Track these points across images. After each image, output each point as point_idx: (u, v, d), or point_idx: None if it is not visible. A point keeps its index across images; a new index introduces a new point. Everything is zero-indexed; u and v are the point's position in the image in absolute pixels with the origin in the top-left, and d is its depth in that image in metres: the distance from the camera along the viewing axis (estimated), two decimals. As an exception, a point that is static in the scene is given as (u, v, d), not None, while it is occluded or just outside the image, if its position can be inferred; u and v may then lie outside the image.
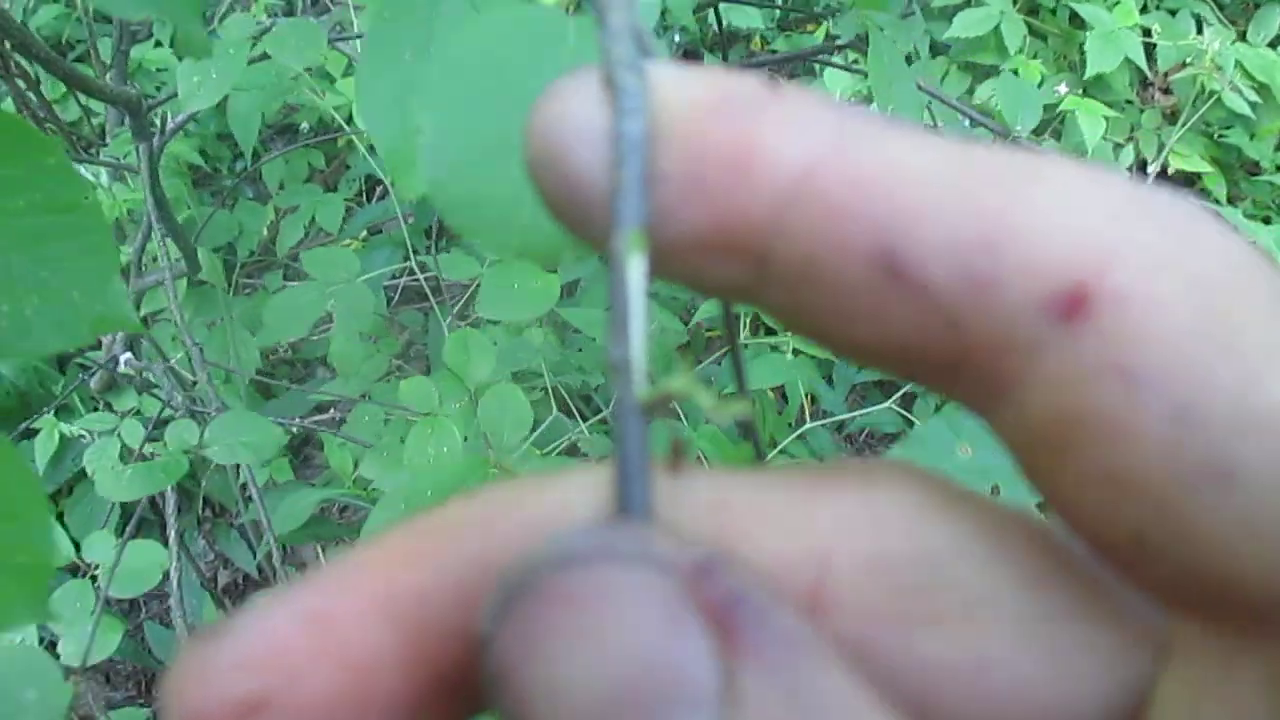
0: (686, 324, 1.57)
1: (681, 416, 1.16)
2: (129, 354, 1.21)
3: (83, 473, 1.40)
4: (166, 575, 0.97)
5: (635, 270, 0.15)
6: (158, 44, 1.65)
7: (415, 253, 1.34)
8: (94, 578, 1.04)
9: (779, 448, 1.40)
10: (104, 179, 1.23)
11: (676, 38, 1.72)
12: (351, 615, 0.15)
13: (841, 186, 0.14)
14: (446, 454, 0.85)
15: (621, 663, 0.12)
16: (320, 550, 1.55)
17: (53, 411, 1.37)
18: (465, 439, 0.91)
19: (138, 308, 1.23)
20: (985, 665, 0.15)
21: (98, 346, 1.51)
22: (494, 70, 0.27)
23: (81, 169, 1.19)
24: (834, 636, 0.15)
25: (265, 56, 0.93)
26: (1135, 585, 0.14)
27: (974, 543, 0.15)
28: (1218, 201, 1.78)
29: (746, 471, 0.16)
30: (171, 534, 1.01)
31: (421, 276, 1.28)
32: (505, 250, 0.26)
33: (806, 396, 1.54)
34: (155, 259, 1.35)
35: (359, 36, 1.13)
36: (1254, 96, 1.78)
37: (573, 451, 1.18)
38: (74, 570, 1.06)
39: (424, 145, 0.26)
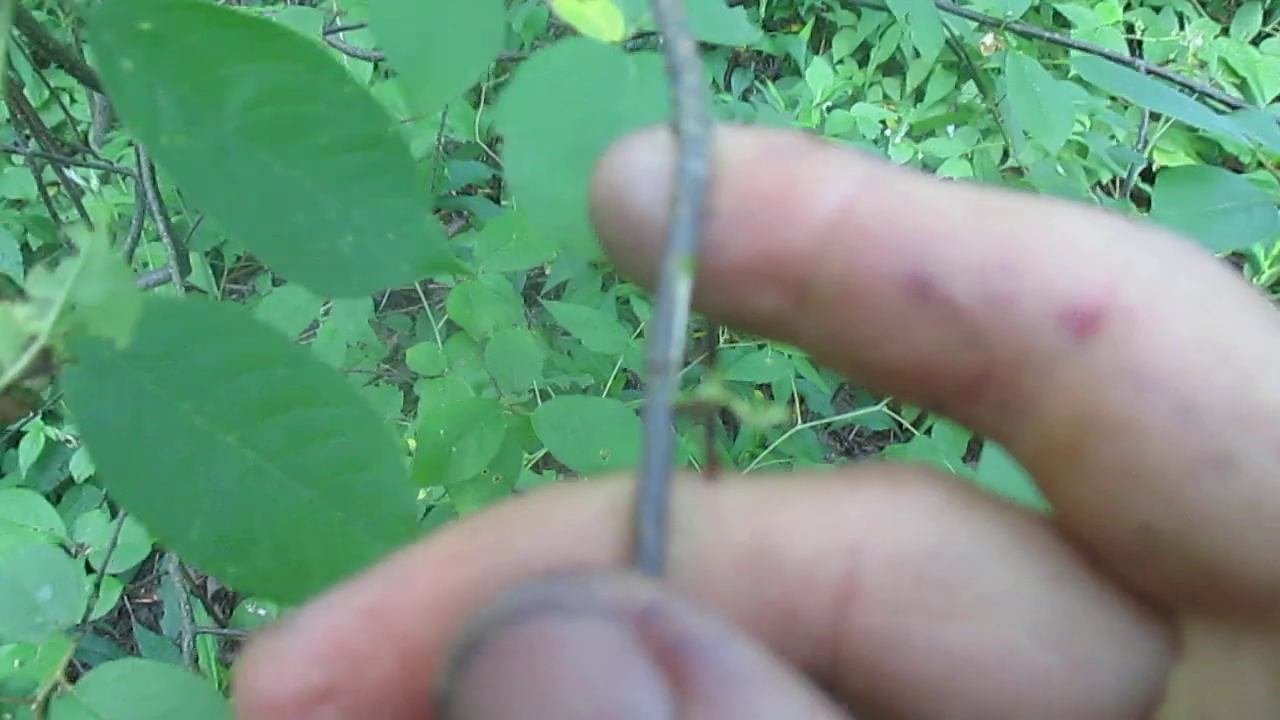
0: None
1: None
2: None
3: (71, 480, 1.46)
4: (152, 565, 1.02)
5: (682, 289, 0.17)
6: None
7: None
8: (87, 561, 1.09)
9: (770, 447, 1.46)
10: (94, 183, 1.28)
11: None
12: (408, 610, 0.16)
13: (875, 219, 0.16)
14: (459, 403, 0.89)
15: (574, 711, 0.13)
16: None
17: (39, 415, 1.42)
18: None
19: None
20: (1007, 657, 0.16)
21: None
22: (565, 91, 0.31)
23: (72, 173, 1.24)
24: (863, 628, 0.16)
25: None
26: (1144, 583, 0.16)
27: (996, 540, 0.16)
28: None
29: (781, 475, 0.17)
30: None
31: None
32: (580, 249, 0.30)
33: (797, 397, 1.60)
34: (146, 264, 1.40)
35: (358, 27, 1.19)
36: (1236, 93, 1.85)
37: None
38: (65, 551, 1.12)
39: (506, 153, 0.29)
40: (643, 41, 0.42)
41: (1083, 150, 1.75)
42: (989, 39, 1.01)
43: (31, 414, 1.43)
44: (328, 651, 0.16)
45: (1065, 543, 0.16)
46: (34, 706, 0.46)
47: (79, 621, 0.58)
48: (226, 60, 0.32)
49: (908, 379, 0.17)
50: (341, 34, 1.22)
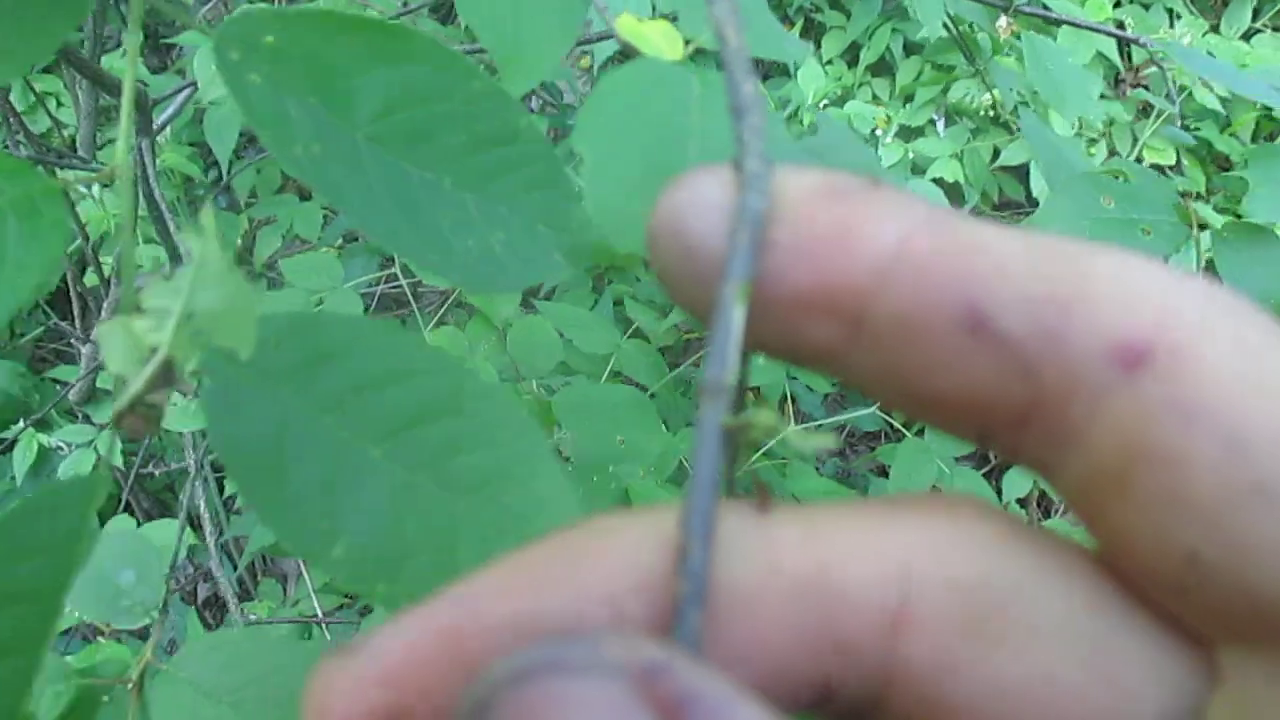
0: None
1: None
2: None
3: (61, 486, 1.48)
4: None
5: (738, 315, 0.18)
6: (126, 54, 1.73)
7: (392, 261, 1.43)
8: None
9: (762, 449, 1.50)
10: (94, 189, 1.31)
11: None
12: (478, 634, 0.17)
13: (932, 255, 0.17)
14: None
15: None
16: (301, 563, 1.63)
17: (31, 423, 1.45)
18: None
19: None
20: (1052, 684, 0.17)
21: (75, 359, 1.59)
22: (635, 112, 0.32)
23: (67, 175, 1.27)
24: (913, 655, 0.17)
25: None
26: (1186, 612, 0.16)
27: (1042, 571, 0.17)
28: (1198, 195, 1.89)
29: (833, 505, 0.18)
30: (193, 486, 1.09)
31: (404, 282, 1.37)
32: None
33: (789, 397, 1.63)
34: (140, 266, 1.43)
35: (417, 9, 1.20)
36: (1224, 91, 1.90)
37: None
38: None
39: (584, 174, 0.31)
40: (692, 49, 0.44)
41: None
42: (1002, 21, 1.07)
43: (23, 421, 1.46)
44: (398, 673, 0.17)
45: (1106, 575, 0.17)
46: (129, 687, 0.48)
47: (161, 605, 0.60)
48: (351, 68, 0.33)
49: (959, 409, 0.18)
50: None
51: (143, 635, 1.56)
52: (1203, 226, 0.79)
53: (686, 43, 0.44)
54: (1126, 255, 0.17)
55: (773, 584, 0.17)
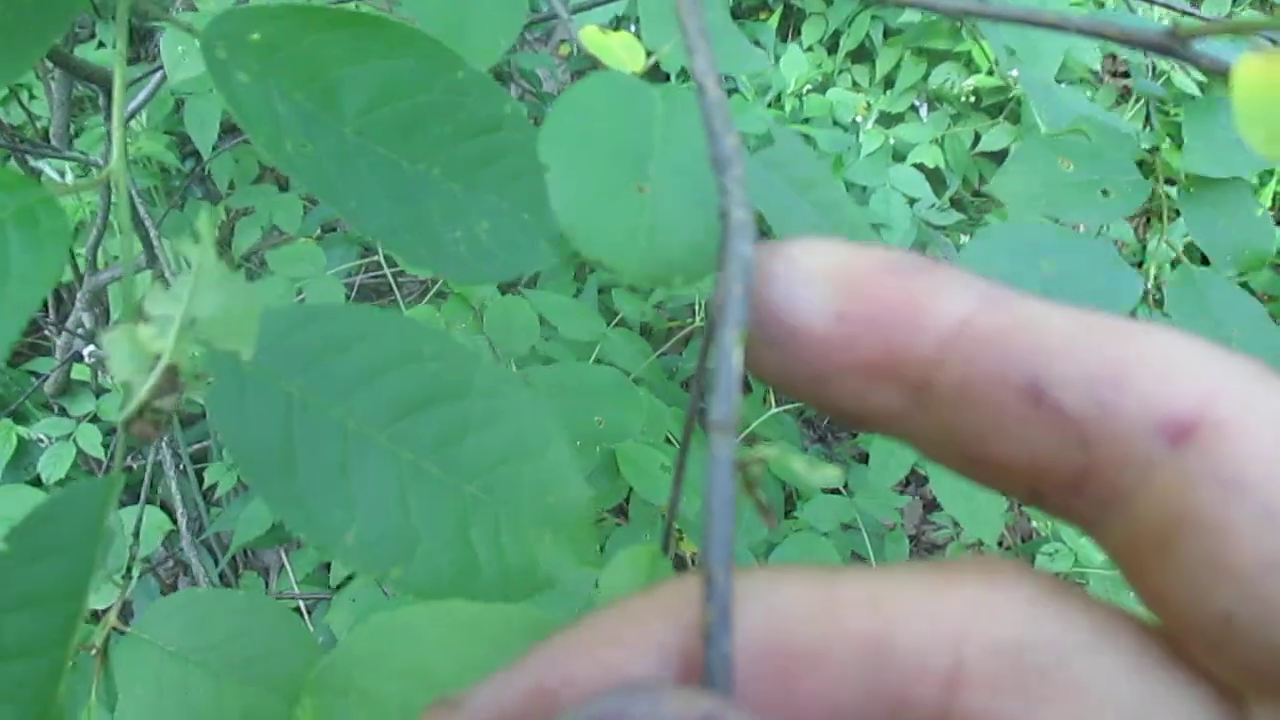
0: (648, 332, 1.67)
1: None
2: (92, 346, 1.28)
3: (38, 479, 1.48)
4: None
5: (738, 357, 0.19)
6: (100, 44, 1.73)
7: (372, 250, 1.43)
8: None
9: (745, 430, 1.51)
10: (68, 178, 1.30)
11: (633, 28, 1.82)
12: (569, 692, 0.18)
13: (995, 331, 0.19)
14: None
15: None
16: (284, 554, 1.63)
17: (10, 415, 1.44)
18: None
19: (99, 302, 1.31)
20: None
21: (49, 352, 1.58)
22: (598, 125, 0.32)
23: (45, 165, 1.26)
24: (967, 711, 0.18)
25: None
26: (1219, 667, 0.17)
27: (1083, 630, 0.18)
28: (1170, 181, 1.91)
29: (895, 569, 0.20)
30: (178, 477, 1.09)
31: (388, 270, 1.37)
32: (621, 271, 0.31)
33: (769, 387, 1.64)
34: (116, 257, 1.43)
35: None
36: (1201, 76, 1.92)
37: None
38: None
39: (549, 183, 0.31)
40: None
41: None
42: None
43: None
44: None
45: (1143, 632, 0.18)
46: (93, 653, 0.47)
47: (125, 570, 0.59)
48: (337, 63, 0.33)
49: (1015, 473, 0.19)
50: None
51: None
52: (1170, 181, 0.79)
53: (648, 54, 0.45)
54: (1175, 333, 0.18)
55: (840, 646, 0.19)
